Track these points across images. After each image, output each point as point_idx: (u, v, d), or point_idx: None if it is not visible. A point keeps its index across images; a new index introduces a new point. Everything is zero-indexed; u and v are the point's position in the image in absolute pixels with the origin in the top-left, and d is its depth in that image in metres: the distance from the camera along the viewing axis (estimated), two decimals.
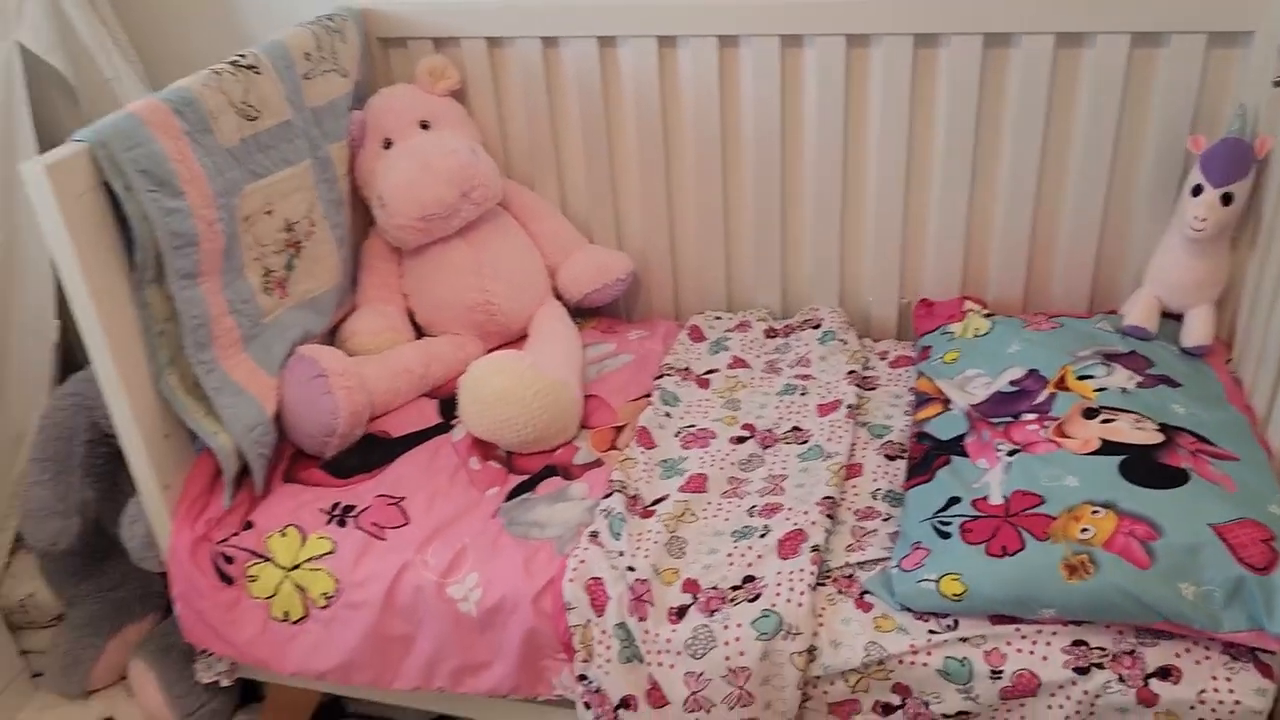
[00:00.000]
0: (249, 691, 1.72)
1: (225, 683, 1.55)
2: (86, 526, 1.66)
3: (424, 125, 1.76)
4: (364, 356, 1.66)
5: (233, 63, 1.49)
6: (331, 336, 1.72)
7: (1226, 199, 1.44)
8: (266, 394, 1.50)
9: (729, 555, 1.33)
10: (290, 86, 1.57)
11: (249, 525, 1.45)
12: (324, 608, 1.39)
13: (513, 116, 1.85)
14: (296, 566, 1.40)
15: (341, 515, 1.44)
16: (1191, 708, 1.13)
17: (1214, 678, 1.13)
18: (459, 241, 1.74)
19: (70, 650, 1.72)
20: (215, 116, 1.43)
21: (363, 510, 1.45)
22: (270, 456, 1.51)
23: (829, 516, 1.36)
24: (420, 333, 1.80)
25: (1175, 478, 1.22)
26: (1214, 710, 1.13)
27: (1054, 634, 1.18)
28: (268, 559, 1.41)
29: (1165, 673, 1.14)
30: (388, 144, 1.74)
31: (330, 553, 1.40)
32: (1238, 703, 1.12)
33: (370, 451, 1.56)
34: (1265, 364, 1.37)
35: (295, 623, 1.40)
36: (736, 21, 1.65)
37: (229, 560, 1.42)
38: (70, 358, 1.91)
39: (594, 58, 1.74)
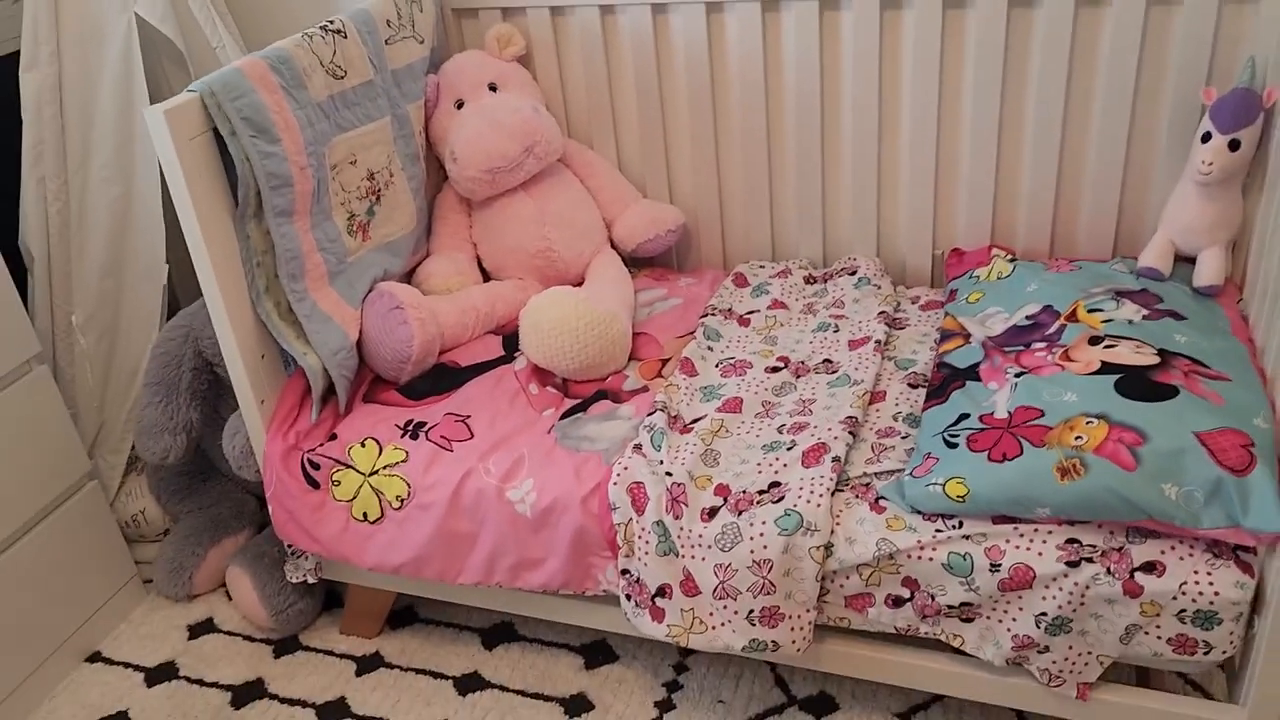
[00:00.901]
0: (331, 599, 1.91)
1: (311, 580, 1.74)
2: (191, 446, 1.86)
3: (492, 87, 1.92)
4: (437, 296, 1.83)
5: (322, 28, 1.67)
6: (408, 280, 1.90)
7: (1234, 145, 1.53)
8: (350, 323, 1.67)
9: (758, 465, 1.46)
10: (373, 50, 1.74)
11: (333, 437, 1.62)
12: (398, 509, 1.56)
13: (573, 80, 2.00)
14: (374, 473, 1.57)
15: (414, 430, 1.61)
16: (1174, 598, 1.24)
17: (1195, 572, 1.24)
18: (523, 194, 1.90)
19: (175, 558, 1.93)
20: (308, 74, 1.60)
21: (433, 426, 1.61)
22: (352, 379, 1.69)
23: (851, 434, 1.48)
24: (488, 278, 1.97)
25: (1166, 393, 1.31)
26: (1194, 601, 1.23)
27: (1049, 532, 1.30)
28: (349, 466, 1.58)
29: (1150, 567, 1.25)
30: (459, 104, 1.91)
31: (404, 461, 1.56)
32: (1217, 594, 1.22)
33: (440, 378, 1.72)
34: (1268, 297, 1.46)
35: (373, 522, 1.58)
36: None
37: (316, 467, 1.60)
38: (175, 302, 2.12)
39: (648, 24, 1.88)
